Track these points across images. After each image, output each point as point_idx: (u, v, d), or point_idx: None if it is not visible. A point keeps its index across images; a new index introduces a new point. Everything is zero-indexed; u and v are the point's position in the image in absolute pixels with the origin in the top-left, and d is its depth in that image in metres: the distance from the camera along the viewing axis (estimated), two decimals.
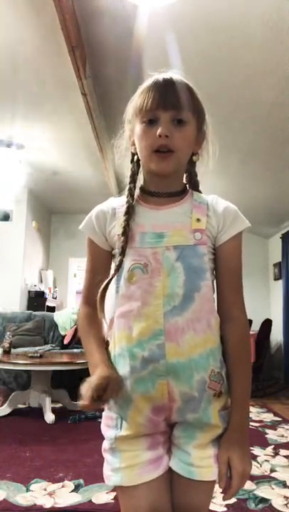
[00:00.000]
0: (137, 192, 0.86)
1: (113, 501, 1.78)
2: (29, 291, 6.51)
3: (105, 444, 0.80)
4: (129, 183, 0.85)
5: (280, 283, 5.85)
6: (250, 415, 3.49)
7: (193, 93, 0.86)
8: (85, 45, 2.94)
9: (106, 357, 0.79)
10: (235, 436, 0.79)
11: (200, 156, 0.90)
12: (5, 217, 6.38)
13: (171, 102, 0.80)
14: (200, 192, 0.90)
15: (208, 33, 2.52)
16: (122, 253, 0.79)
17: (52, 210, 7.78)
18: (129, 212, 0.81)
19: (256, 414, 3.55)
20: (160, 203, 0.83)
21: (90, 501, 1.78)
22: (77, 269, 8.26)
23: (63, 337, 4.41)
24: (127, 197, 0.83)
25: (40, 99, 3.73)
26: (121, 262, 0.79)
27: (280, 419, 3.38)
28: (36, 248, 7.07)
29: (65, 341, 4.26)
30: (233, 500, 1.81)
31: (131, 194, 0.84)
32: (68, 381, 3.80)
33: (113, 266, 0.84)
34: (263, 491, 1.91)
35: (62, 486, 1.93)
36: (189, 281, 0.76)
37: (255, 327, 5.46)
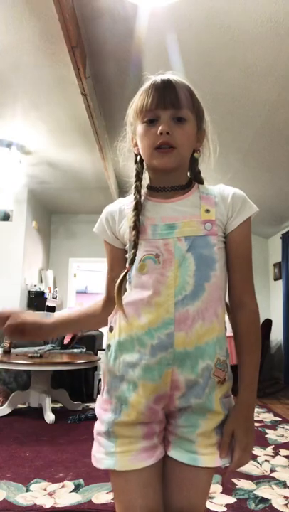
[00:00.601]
0: (144, 190, 0.88)
1: (113, 501, 1.78)
2: (29, 291, 6.51)
3: (100, 427, 0.82)
4: (135, 182, 0.88)
5: (280, 283, 5.85)
6: None
7: (191, 92, 0.88)
8: (85, 45, 2.94)
9: (56, 320, 0.89)
10: (242, 411, 0.80)
11: (201, 153, 0.93)
12: (5, 217, 6.38)
13: (170, 100, 0.82)
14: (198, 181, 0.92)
15: (207, 33, 2.52)
16: (135, 246, 0.81)
17: (52, 210, 7.78)
18: (138, 207, 0.83)
19: (256, 414, 3.55)
20: (167, 196, 0.85)
21: (90, 501, 1.78)
22: (77, 269, 8.27)
23: (63, 337, 4.41)
24: (134, 194, 0.86)
25: (40, 99, 3.73)
26: (134, 255, 0.81)
27: (280, 419, 3.38)
28: (36, 248, 7.07)
29: (65, 341, 4.26)
30: (233, 500, 1.81)
31: (138, 190, 0.86)
32: (68, 381, 3.80)
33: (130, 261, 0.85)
34: (263, 491, 1.91)
35: (62, 486, 1.93)
36: (200, 271, 0.78)
37: None
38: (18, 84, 3.50)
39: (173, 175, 0.86)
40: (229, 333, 0.81)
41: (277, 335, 5.77)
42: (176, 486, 0.80)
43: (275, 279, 6.20)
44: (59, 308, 7.29)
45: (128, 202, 0.88)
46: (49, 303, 6.79)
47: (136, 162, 0.91)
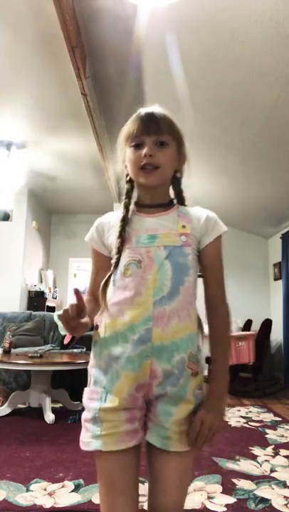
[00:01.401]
0: (132, 206, 1.00)
1: None
2: (29, 291, 6.51)
3: (87, 415, 0.91)
4: (125, 199, 1.01)
5: (280, 283, 5.85)
6: (250, 415, 3.49)
7: (172, 122, 1.01)
8: (85, 45, 2.94)
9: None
10: (213, 401, 0.91)
11: (182, 174, 1.06)
12: (5, 217, 6.38)
13: (153, 128, 0.96)
14: (186, 206, 1.05)
15: (207, 33, 2.52)
16: (119, 252, 0.93)
17: (52, 210, 7.78)
18: (125, 219, 0.96)
19: (256, 414, 3.55)
20: (151, 212, 0.98)
21: (90, 501, 1.78)
22: (77, 269, 8.26)
23: (63, 337, 4.40)
24: (123, 209, 0.99)
25: (41, 99, 3.73)
26: (118, 260, 0.93)
27: (280, 419, 3.38)
28: (36, 248, 7.07)
29: (65, 341, 4.25)
30: (233, 500, 1.81)
31: (126, 206, 0.99)
32: (68, 381, 3.80)
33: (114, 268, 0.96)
34: (263, 491, 1.91)
35: (63, 486, 1.93)
36: (176, 275, 0.90)
37: (255, 327, 5.46)
38: (18, 84, 3.50)
39: (157, 192, 0.99)
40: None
41: (277, 335, 5.77)
42: (155, 471, 0.94)
43: (275, 279, 6.20)
44: (59, 308, 7.29)
45: (116, 216, 1.00)
46: (49, 303, 6.78)
47: (126, 181, 1.03)
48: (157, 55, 2.87)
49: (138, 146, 0.96)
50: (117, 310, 0.91)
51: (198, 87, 3.11)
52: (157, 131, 0.96)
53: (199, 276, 0.98)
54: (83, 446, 0.91)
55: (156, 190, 0.99)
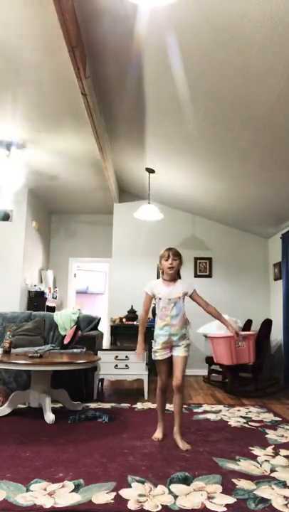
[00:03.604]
0: (160, 283, 2.83)
1: (113, 501, 1.78)
2: (29, 291, 6.51)
3: (155, 348, 2.79)
4: (160, 278, 2.86)
5: (280, 283, 5.85)
6: (250, 415, 3.49)
7: (179, 253, 2.80)
8: (85, 45, 2.94)
9: (143, 338, 2.87)
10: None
11: (181, 269, 2.85)
12: (5, 217, 6.38)
13: (172, 254, 2.76)
14: (180, 278, 2.86)
15: (208, 33, 2.52)
16: (159, 300, 2.78)
17: (52, 210, 7.79)
18: (159, 286, 2.82)
19: (256, 414, 3.55)
20: (170, 284, 2.80)
21: (90, 501, 1.78)
22: (77, 269, 8.26)
23: (63, 337, 4.40)
24: (160, 280, 2.85)
25: (40, 99, 3.74)
26: (159, 303, 2.80)
27: (280, 419, 3.38)
28: (36, 248, 7.07)
29: (65, 341, 4.25)
30: (233, 500, 1.81)
31: (163, 279, 2.84)
32: (68, 381, 3.80)
33: (156, 301, 2.82)
34: (263, 491, 1.91)
35: (63, 486, 1.93)
36: (177, 310, 2.75)
37: (255, 327, 5.46)
38: (18, 85, 3.50)
39: (172, 276, 2.79)
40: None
41: (277, 335, 5.77)
42: (174, 365, 2.73)
43: (275, 279, 6.20)
44: (59, 308, 7.29)
45: (157, 283, 2.84)
46: (49, 303, 6.79)
47: (161, 273, 2.82)
48: (157, 55, 2.87)
49: (166, 260, 2.75)
50: (159, 321, 2.77)
51: (198, 87, 3.11)
52: (174, 256, 2.76)
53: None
54: (153, 357, 2.80)
55: (172, 276, 2.78)
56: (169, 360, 2.74)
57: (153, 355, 2.77)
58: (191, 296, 2.75)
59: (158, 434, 2.77)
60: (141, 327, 2.84)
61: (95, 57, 3.13)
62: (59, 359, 3.44)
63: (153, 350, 2.77)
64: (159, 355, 2.74)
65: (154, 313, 3.23)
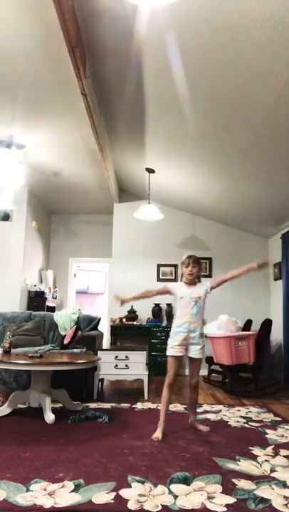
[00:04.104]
0: (182, 285, 3.02)
1: (113, 501, 1.78)
2: (29, 291, 6.51)
3: (172, 344, 2.92)
4: (181, 281, 3.04)
5: (280, 283, 5.85)
6: (250, 415, 3.49)
7: (198, 260, 2.99)
8: (85, 45, 2.94)
9: (134, 296, 3.18)
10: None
11: (200, 273, 3.06)
12: (5, 217, 6.38)
13: (192, 261, 2.96)
14: (200, 281, 3.05)
15: (207, 33, 2.52)
16: (180, 299, 2.96)
17: (52, 210, 7.78)
18: (181, 288, 3.00)
19: (256, 414, 3.55)
20: (190, 286, 2.99)
21: (90, 501, 1.78)
22: (77, 269, 8.26)
23: (63, 337, 4.40)
24: (182, 283, 3.03)
25: (41, 100, 3.74)
26: (180, 302, 2.97)
27: (280, 419, 3.38)
28: (36, 248, 7.07)
29: (65, 341, 4.25)
30: (233, 500, 1.81)
31: (183, 281, 3.01)
32: (68, 381, 3.80)
33: (177, 301, 2.99)
34: (263, 491, 1.91)
35: (63, 486, 1.93)
36: (198, 308, 2.92)
37: (255, 327, 5.46)
38: (18, 85, 3.50)
39: (191, 281, 2.98)
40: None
41: (277, 335, 5.77)
42: (190, 366, 3.01)
43: (275, 279, 6.20)
44: (59, 308, 7.29)
45: (180, 284, 3.03)
46: (49, 303, 6.78)
47: (181, 277, 3.03)
48: (157, 55, 2.87)
49: (187, 266, 2.96)
50: (179, 318, 2.93)
51: (198, 86, 3.11)
52: (194, 263, 2.96)
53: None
54: (168, 353, 2.92)
55: (192, 280, 2.98)
56: (181, 360, 2.94)
57: (168, 351, 2.90)
58: (211, 288, 2.98)
59: (158, 434, 2.76)
60: (140, 293, 3.12)
61: (94, 57, 3.13)
62: (59, 359, 3.44)
63: (169, 346, 2.90)
64: (174, 351, 2.88)
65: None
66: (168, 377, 2.90)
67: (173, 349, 2.90)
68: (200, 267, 3.00)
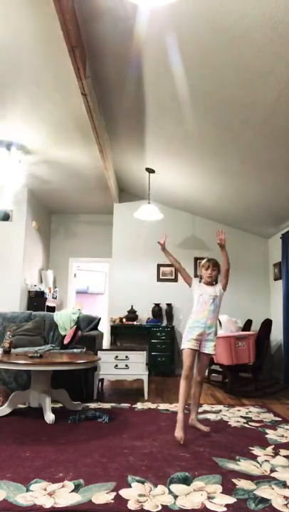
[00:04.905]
0: (202, 284, 3.12)
1: (113, 501, 1.78)
2: (29, 291, 6.51)
3: (189, 337, 2.98)
4: (200, 282, 3.12)
5: (280, 283, 5.85)
6: (250, 415, 3.49)
7: (217, 263, 3.11)
8: (85, 45, 2.94)
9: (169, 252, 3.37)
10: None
11: (219, 275, 3.13)
12: (5, 217, 6.38)
13: (212, 265, 3.09)
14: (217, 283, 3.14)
15: (207, 33, 2.52)
16: (200, 296, 3.06)
17: (52, 210, 7.78)
18: (200, 286, 3.11)
19: (256, 414, 3.55)
20: (209, 285, 3.10)
21: (90, 501, 1.78)
22: (77, 269, 8.26)
23: (63, 337, 4.40)
24: (200, 283, 3.12)
25: (41, 100, 3.73)
26: (199, 299, 3.06)
27: (280, 419, 3.38)
28: (36, 248, 7.07)
29: (65, 341, 4.25)
30: (233, 500, 1.81)
31: (203, 282, 3.12)
32: (68, 381, 3.80)
33: (195, 297, 3.08)
34: (263, 491, 1.91)
35: (63, 486, 1.93)
36: (215, 306, 3.03)
37: (255, 327, 5.46)
38: (18, 84, 3.50)
39: (210, 282, 3.10)
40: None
41: (277, 335, 5.77)
42: (199, 360, 3.07)
43: (275, 279, 6.20)
44: (59, 308, 7.29)
45: (200, 284, 3.11)
46: (49, 303, 6.78)
47: (200, 277, 3.14)
48: (157, 55, 2.87)
49: (206, 269, 3.08)
50: (196, 313, 3.03)
51: (198, 86, 3.11)
52: (213, 266, 3.08)
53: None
54: (182, 346, 3.00)
55: (211, 282, 3.09)
56: (195, 354, 2.99)
57: (185, 344, 2.97)
58: (223, 288, 3.11)
59: (179, 433, 2.65)
60: (175, 258, 3.27)
61: (94, 57, 3.13)
62: (59, 359, 3.44)
63: (186, 339, 2.98)
64: (191, 344, 2.95)
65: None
66: (184, 369, 2.87)
67: (190, 342, 2.95)
68: (219, 270, 3.11)
